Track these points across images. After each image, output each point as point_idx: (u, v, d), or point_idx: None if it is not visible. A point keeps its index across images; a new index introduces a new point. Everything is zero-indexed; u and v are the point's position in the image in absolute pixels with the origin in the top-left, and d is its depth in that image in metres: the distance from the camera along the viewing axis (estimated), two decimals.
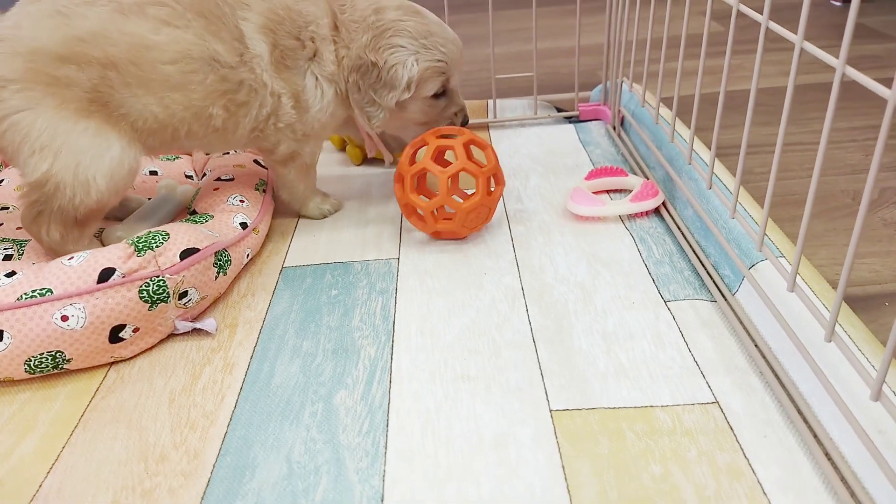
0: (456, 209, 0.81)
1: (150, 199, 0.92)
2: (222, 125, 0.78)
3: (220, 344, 0.72)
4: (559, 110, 1.22)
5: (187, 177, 1.01)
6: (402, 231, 0.91)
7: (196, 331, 0.74)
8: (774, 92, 1.29)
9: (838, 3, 1.80)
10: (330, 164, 1.11)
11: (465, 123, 0.91)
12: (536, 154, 1.10)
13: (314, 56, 0.81)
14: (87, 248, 0.76)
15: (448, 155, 0.87)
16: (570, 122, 1.20)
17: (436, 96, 0.86)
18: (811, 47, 0.55)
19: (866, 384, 0.49)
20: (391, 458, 0.57)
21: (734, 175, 0.85)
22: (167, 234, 0.72)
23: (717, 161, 0.89)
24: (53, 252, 0.76)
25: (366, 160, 1.11)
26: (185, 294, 0.71)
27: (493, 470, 0.55)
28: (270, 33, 0.78)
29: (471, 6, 2.01)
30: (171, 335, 0.74)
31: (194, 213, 0.87)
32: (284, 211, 0.98)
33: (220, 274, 0.76)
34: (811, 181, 0.56)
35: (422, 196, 0.83)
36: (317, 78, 0.81)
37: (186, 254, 0.71)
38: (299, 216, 0.96)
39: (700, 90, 0.77)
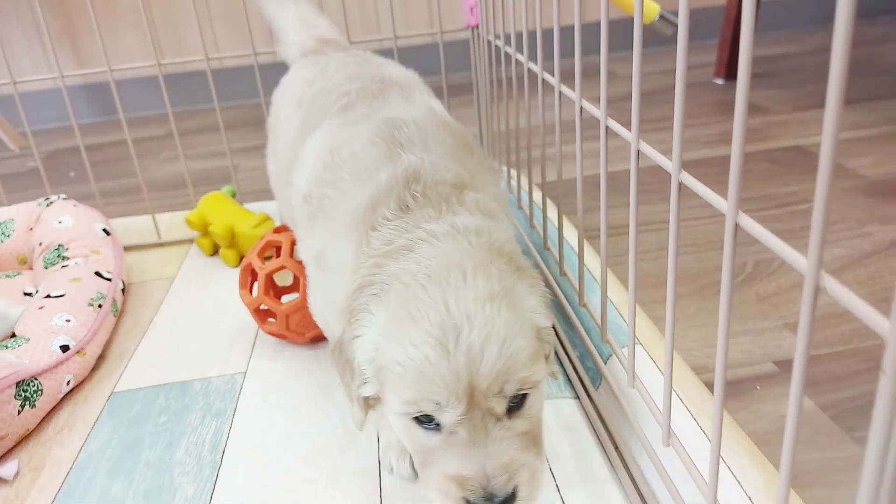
0: (276, 311, 0.75)
1: None
2: None
3: (17, 493, 0.62)
4: None
5: (26, 294, 0.92)
6: (258, 340, 0.83)
7: None
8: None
9: (720, 81, 1.87)
10: (197, 267, 1.04)
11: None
12: None
13: None
14: None
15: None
16: None
17: (418, 421, 0.45)
18: (646, 148, 0.52)
19: (703, 496, 0.43)
20: None
21: (598, 255, 0.81)
22: None
23: (584, 245, 0.86)
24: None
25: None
26: None
27: None
28: None
29: None
30: None
31: (14, 336, 0.77)
32: (132, 325, 0.89)
33: (27, 407, 0.67)
34: (630, 265, 0.52)
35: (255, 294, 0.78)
36: None
37: None
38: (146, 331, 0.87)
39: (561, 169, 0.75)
